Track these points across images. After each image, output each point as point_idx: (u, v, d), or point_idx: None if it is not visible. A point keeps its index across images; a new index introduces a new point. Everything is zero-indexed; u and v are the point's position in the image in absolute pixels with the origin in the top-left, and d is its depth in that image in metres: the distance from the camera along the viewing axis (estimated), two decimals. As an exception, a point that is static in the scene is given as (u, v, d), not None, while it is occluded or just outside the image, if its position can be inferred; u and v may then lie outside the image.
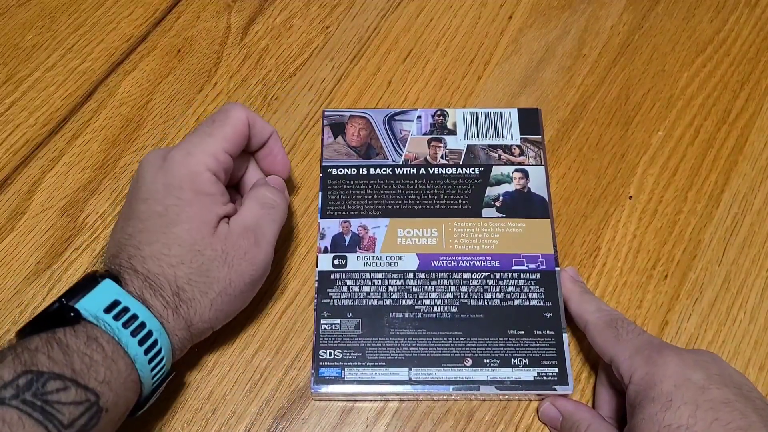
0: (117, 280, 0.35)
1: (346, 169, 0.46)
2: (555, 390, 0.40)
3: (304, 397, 0.41)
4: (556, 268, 0.43)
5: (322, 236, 0.44)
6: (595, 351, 0.39)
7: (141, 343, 0.33)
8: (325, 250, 0.44)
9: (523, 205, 0.45)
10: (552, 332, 0.41)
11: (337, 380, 0.40)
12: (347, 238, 0.44)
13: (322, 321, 0.42)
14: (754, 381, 0.41)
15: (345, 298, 0.42)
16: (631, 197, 0.47)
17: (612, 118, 0.50)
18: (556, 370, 0.40)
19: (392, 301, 0.42)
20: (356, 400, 0.41)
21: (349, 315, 0.42)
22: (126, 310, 0.34)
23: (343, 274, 0.43)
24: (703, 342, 0.43)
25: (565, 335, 0.41)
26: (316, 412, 0.41)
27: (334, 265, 0.43)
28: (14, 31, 0.53)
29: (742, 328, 0.43)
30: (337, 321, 0.42)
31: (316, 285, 0.43)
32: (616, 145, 0.49)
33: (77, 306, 0.33)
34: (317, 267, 0.43)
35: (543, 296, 0.42)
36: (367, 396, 0.41)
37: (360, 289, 0.43)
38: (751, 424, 0.32)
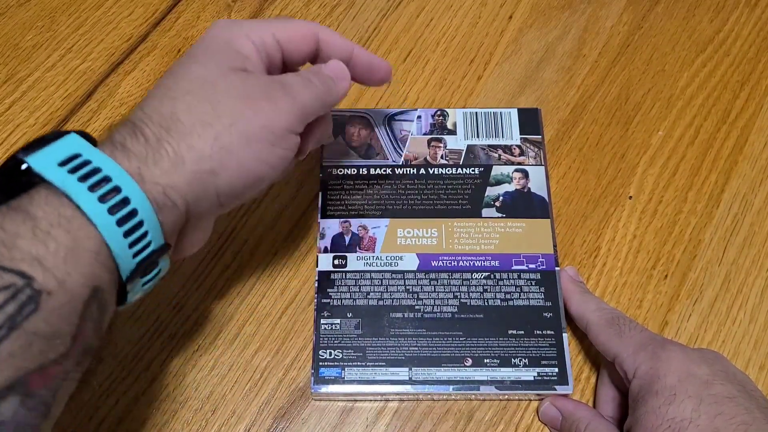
0: (92, 140, 0.29)
1: (346, 169, 0.46)
2: (555, 390, 0.40)
3: (304, 397, 0.41)
4: (556, 268, 0.43)
5: (322, 236, 0.44)
6: (598, 350, 0.39)
7: (103, 199, 0.26)
8: (325, 250, 0.44)
9: (523, 205, 0.45)
10: (552, 332, 0.41)
11: (337, 380, 0.40)
12: (347, 238, 0.44)
13: (322, 321, 0.42)
14: (754, 381, 0.41)
15: (345, 298, 0.42)
16: (631, 197, 0.47)
17: (612, 118, 0.50)
18: (556, 370, 0.40)
19: (392, 301, 0.42)
20: (356, 400, 0.41)
21: (349, 315, 0.42)
22: (86, 162, 0.27)
23: (343, 274, 0.43)
24: (703, 342, 0.43)
25: (565, 335, 0.41)
26: (316, 412, 0.41)
27: (334, 265, 0.43)
28: (14, 31, 0.53)
29: (742, 328, 0.43)
30: (337, 321, 0.42)
31: (316, 285, 0.43)
32: (616, 145, 0.49)
33: (28, 159, 0.27)
34: (317, 267, 0.43)
35: (543, 296, 0.42)
36: (367, 396, 0.41)
37: (360, 289, 0.43)
38: (755, 419, 0.32)
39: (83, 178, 0.26)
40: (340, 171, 0.46)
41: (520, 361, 0.41)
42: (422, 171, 0.47)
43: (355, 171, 0.46)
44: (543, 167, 0.47)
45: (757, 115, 0.50)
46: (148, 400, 0.41)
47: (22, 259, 0.24)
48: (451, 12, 0.55)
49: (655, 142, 0.49)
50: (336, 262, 0.44)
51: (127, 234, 0.27)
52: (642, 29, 0.54)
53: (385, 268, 0.43)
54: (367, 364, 0.41)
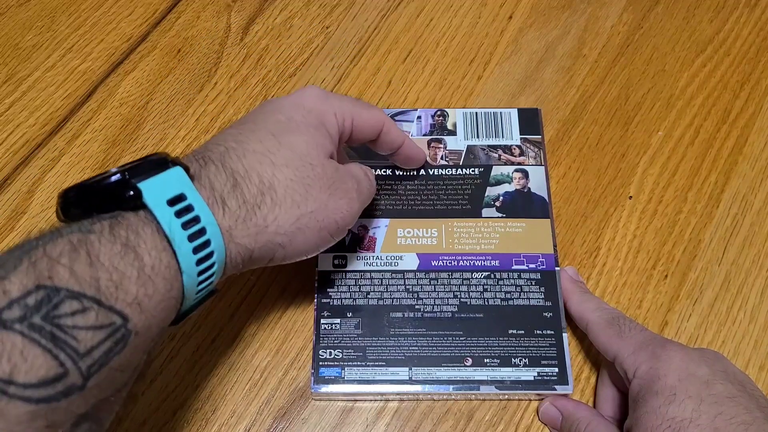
0: (187, 171, 0.30)
1: (346, 169, 0.46)
2: (555, 390, 0.40)
3: (304, 397, 0.41)
4: (556, 268, 0.43)
5: (322, 236, 0.44)
6: (598, 350, 0.39)
7: (196, 251, 0.28)
8: (325, 250, 0.44)
9: (523, 205, 0.45)
10: (552, 332, 0.41)
11: (337, 380, 0.40)
12: (347, 238, 0.44)
13: (322, 321, 0.42)
14: (754, 381, 0.41)
15: (345, 298, 0.42)
16: (631, 197, 0.47)
17: (612, 118, 0.50)
18: (556, 369, 0.40)
19: (392, 301, 0.42)
20: (356, 400, 0.41)
21: (349, 315, 0.42)
22: (190, 208, 0.28)
23: (343, 273, 0.43)
24: (703, 342, 0.43)
25: (565, 335, 0.41)
26: (316, 412, 0.41)
27: (334, 265, 0.43)
28: (14, 31, 0.53)
29: (742, 328, 0.43)
30: (337, 321, 0.42)
31: (316, 285, 0.43)
32: (616, 145, 0.49)
33: (140, 186, 0.27)
34: (317, 267, 0.43)
35: (543, 296, 0.42)
36: (367, 396, 0.41)
37: (360, 288, 0.43)
38: (755, 419, 0.32)
39: (186, 226, 0.28)
40: (340, 171, 0.46)
41: (520, 361, 0.41)
42: (422, 171, 0.46)
43: (355, 171, 0.46)
44: (543, 167, 0.47)
45: (757, 115, 0.50)
46: (148, 400, 0.41)
47: (126, 301, 0.26)
48: (451, 12, 0.55)
49: (655, 142, 0.49)
50: (336, 261, 0.43)
51: (200, 283, 0.29)
52: (642, 29, 0.54)
53: (385, 268, 0.43)
54: (367, 363, 0.41)
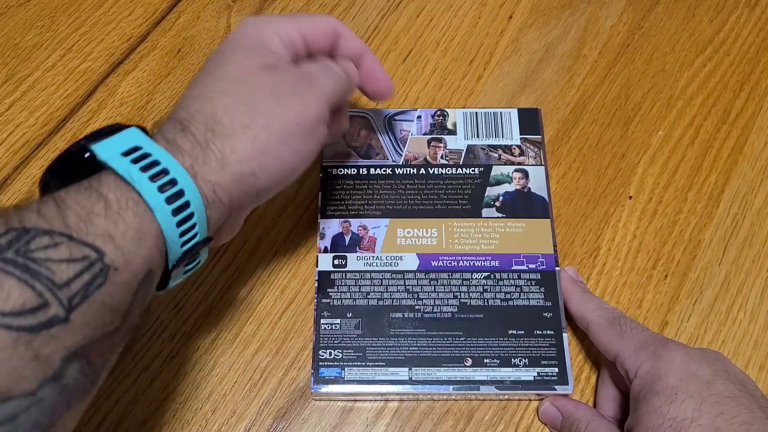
0: (146, 132, 0.31)
1: (346, 169, 0.47)
2: (555, 390, 0.40)
3: (304, 397, 0.41)
4: (556, 268, 0.43)
5: (322, 236, 0.44)
6: (599, 349, 0.39)
7: (162, 189, 0.28)
8: (325, 250, 0.44)
9: (523, 205, 0.45)
10: (552, 332, 0.41)
11: (337, 380, 0.40)
12: (347, 238, 0.44)
13: (322, 321, 0.42)
14: (755, 381, 0.41)
15: (345, 298, 0.42)
16: (631, 197, 0.47)
17: (612, 118, 0.50)
18: (556, 369, 0.40)
19: (392, 301, 0.42)
20: (356, 400, 0.41)
21: (349, 315, 0.42)
22: (146, 155, 0.29)
23: (343, 274, 0.43)
24: (703, 342, 0.43)
25: (565, 335, 0.41)
26: (316, 412, 0.41)
27: (334, 265, 0.43)
28: (14, 31, 0.53)
29: (742, 328, 0.43)
30: (337, 321, 0.42)
31: (316, 285, 0.43)
32: (616, 145, 0.49)
33: (93, 147, 0.29)
34: (317, 267, 0.43)
35: (543, 296, 0.42)
36: (367, 396, 0.41)
37: (360, 289, 0.43)
38: (756, 419, 0.32)
39: (144, 169, 0.28)
40: (340, 171, 0.46)
41: (520, 361, 0.41)
42: (422, 171, 0.47)
43: (355, 171, 0.46)
44: (543, 167, 0.47)
45: (757, 115, 0.50)
46: (148, 400, 0.41)
47: (97, 235, 0.26)
48: (451, 12, 0.55)
49: (655, 142, 0.49)
50: (336, 262, 0.44)
51: (179, 224, 0.29)
52: (642, 29, 0.54)
53: (385, 268, 0.43)
54: (367, 364, 0.41)
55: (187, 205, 0.29)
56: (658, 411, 0.33)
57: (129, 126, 0.31)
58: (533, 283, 0.43)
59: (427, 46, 0.53)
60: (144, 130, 0.31)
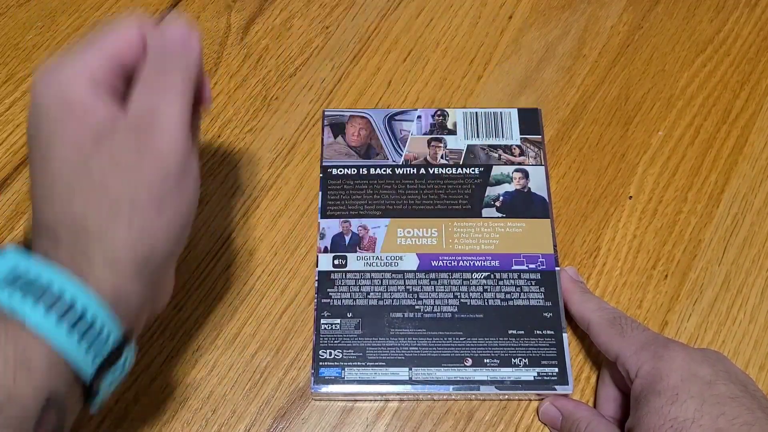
0: (28, 246, 0.29)
1: (346, 169, 0.47)
2: (555, 390, 0.40)
3: (304, 397, 0.41)
4: (556, 268, 0.43)
5: (322, 236, 0.44)
6: (599, 350, 0.39)
7: (50, 309, 0.26)
8: (325, 250, 0.44)
9: (523, 205, 0.45)
10: (552, 332, 0.41)
11: (337, 380, 0.40)
12: (347, 238, 0.44)
13: (322, 321, 0.42)
14: (755, 381, 0.41)
15: (345, 298, 0.42)
16: (631, 197, 0.47)
17: (612, 118, 0.50)
18: (556, 369, 0.40)
19: (392, 301, 0.42)
20: (356, 400, 0.41)
21: (349, 315, 0.42)
22: (28, 277, 0.27)
23: (343, 274, 0.43)
24: (703, 342, 0.43)
25: (565, 335, 0.41)
26: (316, 412, 0.41)
27: (334, 265, 0.43)
28: (14, 31, 0.53)
29: (742, 328, 0.43)
30: (337, 321, 0.42)
31: (316, 285, 0.43)
32: (616, 145, 0.49)
33: None
34: (317, 267, 0.43)
35: (543, 296, 0.42)
36: (367, 396, 0.41)
37: (360, 289, 0.43)
38: (758, 419, 0.32)
39: (26, 293, 0.26)
40: (340, 171, 0.46)
41: (520, 361, 0.41)
42: (422, 171, 0.47)
43: (355, 171, 0.46)
44: (543, 167, 0.47)
45: (757, 115, 0.50)
46: (148, 400, 0.41)
47: None
48: (451, 12, 0.55)
49: (655, 142, 0.49)
50: (336, 262, 0.44)
51: (81, 338, 0.27)
52: (642, 29, 0.54)
53: (385, 268, 0.43)
54: (367, 364, 0.41)
55: (82, 316, 0.27)
56: (660, 411, 0.33)
57: (3, 248, 0.28)
58: (533, 283, 0.43)
59: (427, 46, 0.53)
60: (23, 245, 0.28)
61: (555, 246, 0.44)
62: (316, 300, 0.42)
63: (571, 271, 0.43)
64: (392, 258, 0.44)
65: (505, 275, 0.43)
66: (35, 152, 0.30)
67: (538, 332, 0.41)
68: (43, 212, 0.29)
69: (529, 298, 0.42)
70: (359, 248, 0.44)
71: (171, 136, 0.29)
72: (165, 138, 0.29)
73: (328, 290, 0.43)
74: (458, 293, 0.42)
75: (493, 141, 0.48)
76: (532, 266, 0.43)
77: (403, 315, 0.42)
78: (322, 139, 0.48)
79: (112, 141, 0.29)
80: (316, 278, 0.43)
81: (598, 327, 0.39)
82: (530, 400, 0.41)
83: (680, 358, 0.35)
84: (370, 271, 0.43)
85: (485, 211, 0.45)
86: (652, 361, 0.35)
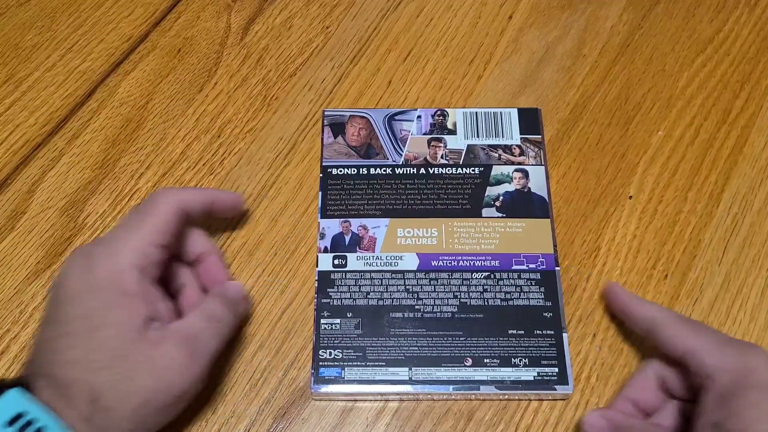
0: (29, 387, 0.32)
1: (346, 169, 0.47)
2: (555, 390, 0.40)
3: (304, 397, 0.41)
4: (556, 268, 0.43)
5: (322, 236, 0.44)
6: (657, 345, 0.39)
7: None
8: (325, 250, 0.44)
9: (523, 205, 0.45)
10: (552, 332, 0.41)
11: (337, 380, 0.40)
12: (347, 238, 0.44)
13: (322, 321, 0.42)
14: None
15: (345, 298, 0.42)
16: (631, 197, 0.47)
17: (612, 118, 0.50)
18: (556, 369, 0.40)
19: (392, 301, 0.42)
20: (356, 400, 0.41)
21: (349, 315, 0.42)
22: (30, 423, 0.30)
23: (343, 274, 0.43)
24: (703, 342, 0.43)
25: (565, 335, 0.41)
26: (316, 412, 0.41)
27: (334, 265, 0.43)
28: (14, 31, 0.53)
29: (742, 328, 0.43)
30: (337, 321, 0.42)
31: (316, 285, 0.43)
32: (616, 145, 0.49)
33: None
34: (317, 267, 0.43)
35: (543, 296, 0.42)
36: (367, 396, 0.41)
37: (360, 288, 0.43)
38: None
39: None
40: (340, 171, 0.46)
41: (520, 361, 0.41)
42: (422, 171, 0.47)
43: (355, 171, 0.46)
44: (543, 167, 0.47)
45: (757, 115, 0.50)
46: (148, 400, 0.41)
47: None
48: (451, 12, 0.55)
49: (655, 142, 0.49)
50: (336, 262, 0.44)
51: None
52: (642, 29, 0.54)
53: (385, 268, 0.43)
54: (367, 363, 0.41)
55: None
56: (759, 405, 0.33)
57: (10, 385, 0.31)
58: (533, 283, 0.43)
59: (427, 46, 0.53)
60: (25, 386, 0.32)
61: (555, 246, 0.44)
62: (316, 300, 0.42)
63: (616, 284, 0.43)
64: (392, 258, 0.44)
65: (505, 275, 0.43)
66: (80, 323, 0.34)
67: (538, 332, 0.41)
68: (62, 365, 0.33)
69: (529, 298, 0.42)
70: (359, 248, 0.44)
71: (203, 366, 0.36)
72: (199, 365, 0.35)
73: (328, 290, 0.43)
74: (458, 293, 0.42)
75: (493, 141, 0.48)
76: (532, 266, 0.43)
77: (403, 315, 0.42)
78: (322, 139, 0.48)
79: (156, 343, 0.34)
80: (316, 278, 0.43)
81: (668, 321, 0.38)
82: (530, 400, 0.41)
83: (763, 354, 0.36)
84: (370, 271, 0.43)
85: (485, 211, 0.45)
86: (739, 356, 0.35)
